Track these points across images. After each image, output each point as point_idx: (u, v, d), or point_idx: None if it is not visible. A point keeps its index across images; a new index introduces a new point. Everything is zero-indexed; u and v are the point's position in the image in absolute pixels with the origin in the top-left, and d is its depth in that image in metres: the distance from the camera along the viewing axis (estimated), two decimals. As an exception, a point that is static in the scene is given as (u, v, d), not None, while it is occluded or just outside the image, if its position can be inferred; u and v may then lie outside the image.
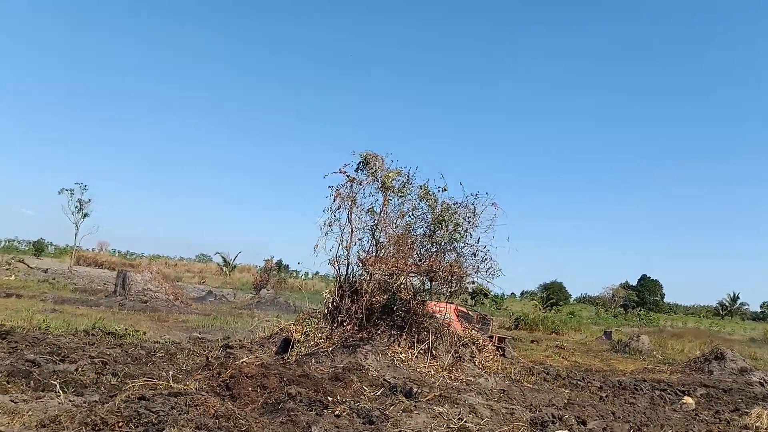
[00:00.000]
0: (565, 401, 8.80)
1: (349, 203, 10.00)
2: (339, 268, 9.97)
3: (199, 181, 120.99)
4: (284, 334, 9.79)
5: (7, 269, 31.63)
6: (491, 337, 15.13)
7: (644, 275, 66.65)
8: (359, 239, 10.04)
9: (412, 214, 9.41)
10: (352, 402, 6.76)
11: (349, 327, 9.53)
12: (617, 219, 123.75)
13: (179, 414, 5.67)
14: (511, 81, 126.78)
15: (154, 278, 19.52)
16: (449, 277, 9.08)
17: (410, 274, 9.39)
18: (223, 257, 47.66)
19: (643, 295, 63.72)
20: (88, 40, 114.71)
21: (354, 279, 9.84)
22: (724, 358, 15.33)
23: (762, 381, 14.38)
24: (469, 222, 9.15)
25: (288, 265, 50.95)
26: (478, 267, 9.12)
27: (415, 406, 6.79)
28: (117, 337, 10.29)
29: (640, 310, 58.23)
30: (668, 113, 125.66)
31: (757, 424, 8.34)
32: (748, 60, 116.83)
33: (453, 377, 9.05)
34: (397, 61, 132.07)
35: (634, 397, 10.74)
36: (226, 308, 22.91)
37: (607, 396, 10.06)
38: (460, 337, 9.86)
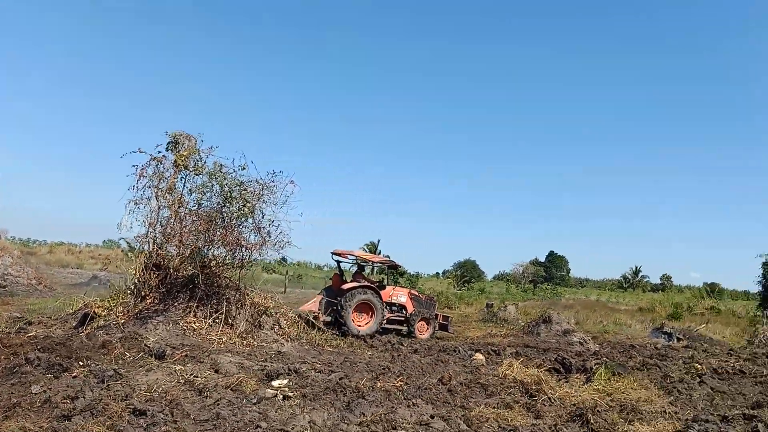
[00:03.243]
0: (343, 359, 9.63)
1: (156, 181, 10.32)
2: (144, 245, 10.33)
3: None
4: (86, 310, 10.09)
5: None
6: (437, 315, 16.81)
7: (552, 251, 70.46)
8: (165, 216, 10.39)
9: (204, 192, 9.88)
10: (96, 365, 7.22)
11: (149, 301, 9.93)
12: (531, 202, 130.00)
13: None
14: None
15: (16, 263, 19.09)
16: (236, 250, 9.71)
17: (202, 248, 9.90)
18: (127, 243, 46.29)
19: (551, 270, 67.29)
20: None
21: (158, 255, 10.22)
22: (551, 322, 16.86)
23: (581, 341, 15.96)
24: (258, 199, 9.76)
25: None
26: (265, 240, 9.79)
27: (158, 366, 7.35)
28: None
29: (547, 285, 61.62)
30: (580, 94, 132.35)
31: (507, 372, 9.47)
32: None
33: (246, 343, 9.69)
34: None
35: (445, 357, 11.77)
36: (103, 292, 22.62)
37: (400, 356, 10.98)
38: (262, 306, 10.47)
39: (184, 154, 9.66)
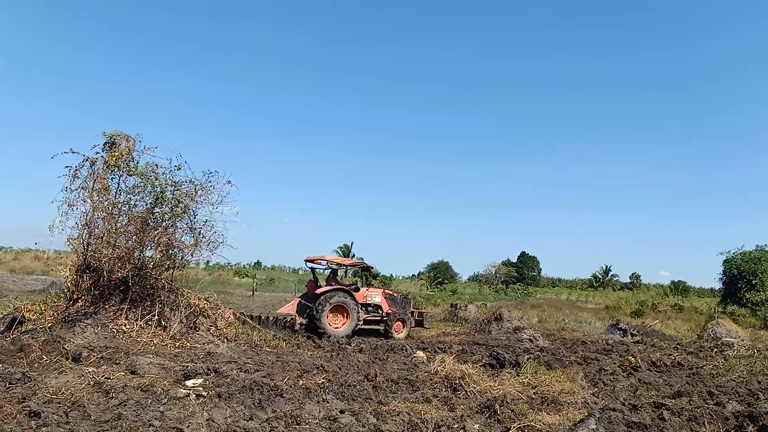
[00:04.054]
0: (276, 358, 9.62)
1: (91, 183, 10.18)
2: (77, 247, 10.19)
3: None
4: (15, 314, 9.91)
5: None
6: (412, 312, 17.37)
7: (523, 252, 71.20)
8: (100, 218, 10.25)
9: (135, 192, 9.80)
10: (6, 368, 7.10)
11: (80, 303, 9.80)
12: (506, 200, 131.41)
13: None
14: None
15: (-38, 270, 18.69)
16: (167, 251, 9.64)
17: (134, 249, 9.81)
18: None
19: (522, 270, 67.95)
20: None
21: (90, 257, 10.08)
22: (501, 319, 17.06)
23: (531, 338, 16.17)
24: (192, 199, 9.71)
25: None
26: (198, 240, 9.75)
27: (71, 368, 7.26)
28: None
29: (519, 285, 62.19)
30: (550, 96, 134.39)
31: (438, 368, 9.55)
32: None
33: (178, 345, 9.61)
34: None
35: (385, 355, 11.81)
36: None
37: (339, 354, 11.01)
38: (198, 308, 10.40)
39: (116, 154, 9.56)
